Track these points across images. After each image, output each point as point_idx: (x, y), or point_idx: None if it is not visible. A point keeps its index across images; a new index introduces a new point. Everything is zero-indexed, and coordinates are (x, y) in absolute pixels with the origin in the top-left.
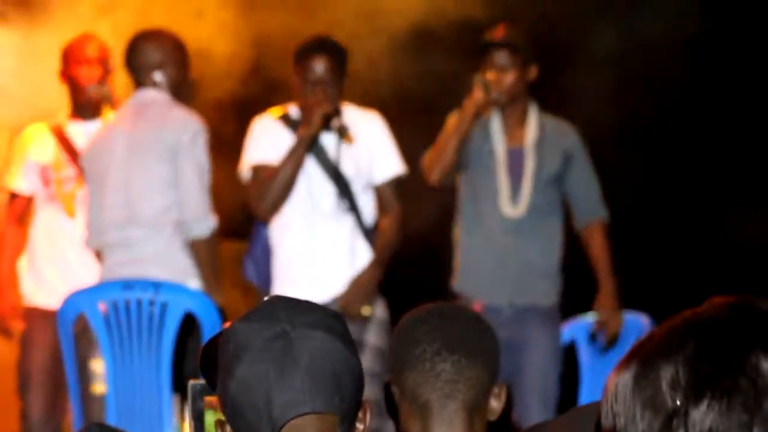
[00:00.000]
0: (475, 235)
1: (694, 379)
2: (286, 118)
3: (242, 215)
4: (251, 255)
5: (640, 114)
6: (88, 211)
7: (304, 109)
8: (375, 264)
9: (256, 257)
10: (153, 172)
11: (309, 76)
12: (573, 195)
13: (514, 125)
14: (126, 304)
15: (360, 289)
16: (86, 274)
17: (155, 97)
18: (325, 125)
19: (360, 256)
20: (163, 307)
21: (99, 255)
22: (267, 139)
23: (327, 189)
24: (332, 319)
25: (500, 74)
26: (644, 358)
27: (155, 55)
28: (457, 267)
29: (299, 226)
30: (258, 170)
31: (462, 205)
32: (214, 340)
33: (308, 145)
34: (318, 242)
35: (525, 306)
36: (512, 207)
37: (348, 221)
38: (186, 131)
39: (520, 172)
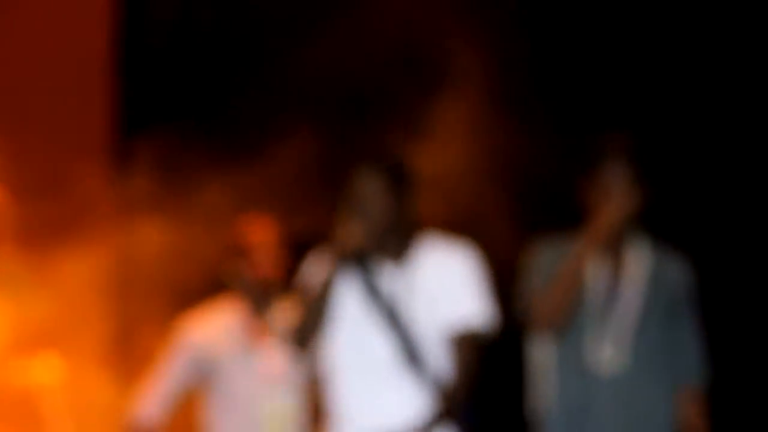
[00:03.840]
0: (567, 397)
1: None
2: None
3: None
4: None
5: None
6: None
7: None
8: None
9: None
10: None
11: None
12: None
13: (613, 254)
14: None
15: None
16: None
17: None
18: (355, 261)
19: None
20: None
21: None
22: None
23: (379, 338)
24: None
25: (619, 192)
26: None
27: None
28: None
29: (348, 386)
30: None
31: (548, 357)
32: None
33: (328, 287)
34: (370, 407)
35: None
36: (613, 354)
37: (411, 381)
38: None
39: (620, 311)
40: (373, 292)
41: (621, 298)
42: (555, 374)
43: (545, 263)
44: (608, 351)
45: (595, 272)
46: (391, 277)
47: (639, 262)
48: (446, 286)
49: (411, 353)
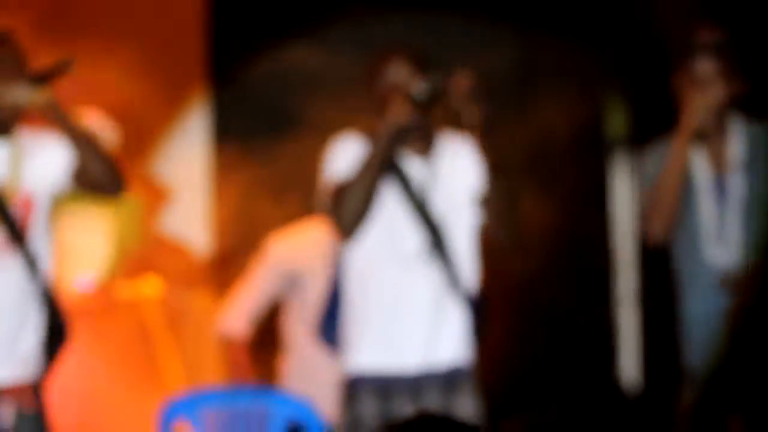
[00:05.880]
0: (689, 295)
1: None
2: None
3: None
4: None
5: None
6: None
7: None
8: None
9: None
10: None
11: (385, 82)
12: None
13: (716, 145)
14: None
15: None
16: None
17: None
18: (403, 142)
19: (446, 317)
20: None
21: None
22: (349, 158)
23: (410, 229)
24: None
25: (707, 88)
26: None
27: None
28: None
29: (376, 276)
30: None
31: (676, 259)
32: None
33: (379, 164)
34: (396, 296)
35: None
36: (719, 249)
37: (435, 271)
38: None
39: (726, 204)
40: (405, 184)
41: (726, 189)
42: (683, 275)
43: (652, 168)
44: (714, 245)
45: (700, 167)
46: (418, 169)
47: (737, 148)
48: (468, 177)
49: (436, 243)
